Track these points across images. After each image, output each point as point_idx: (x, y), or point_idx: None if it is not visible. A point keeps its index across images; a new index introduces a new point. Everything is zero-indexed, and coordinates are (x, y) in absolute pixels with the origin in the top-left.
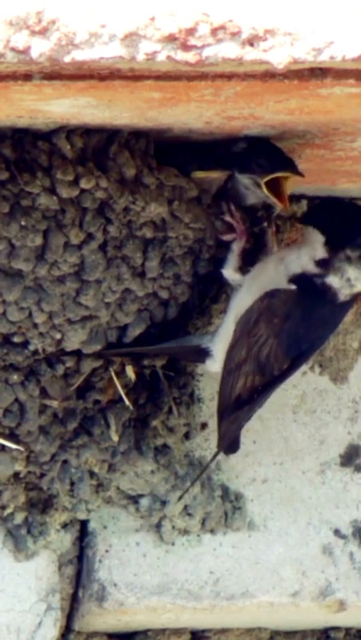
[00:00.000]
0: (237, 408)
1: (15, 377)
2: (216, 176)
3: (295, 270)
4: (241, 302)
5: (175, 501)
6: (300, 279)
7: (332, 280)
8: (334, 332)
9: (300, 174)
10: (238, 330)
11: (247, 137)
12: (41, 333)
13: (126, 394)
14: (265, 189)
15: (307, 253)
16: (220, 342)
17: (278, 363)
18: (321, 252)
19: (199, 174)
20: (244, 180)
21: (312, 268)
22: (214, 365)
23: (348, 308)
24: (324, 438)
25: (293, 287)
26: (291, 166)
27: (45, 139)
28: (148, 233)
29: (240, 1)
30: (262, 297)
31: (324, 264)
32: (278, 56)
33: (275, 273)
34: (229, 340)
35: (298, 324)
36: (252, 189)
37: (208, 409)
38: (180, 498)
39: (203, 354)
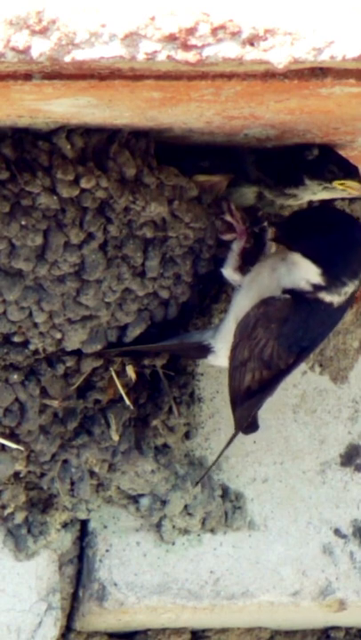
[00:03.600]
0: (249, 398)
1: (15, 376)
2: (217, 180)
3: (286, 285)
4: (240, 304)
5: (176, 501)
6: (293, 292)
7: (326, 296)
8: (334, 329)
9: None
10: (238, 333)
11: (317, 145)
12: (41, 333)
13: (127, 393)
14: (339, 186)
15: (299, 275)
16: (221, 339)
17: (283, 360)
18: (317, 280)
19: (200, 178)
20: (313, 186)
21: (306, 287)
22: (217, 360)
23: (347, 307)
24: (325, 438)
25: (288, 296)
26: (358, 175)
27: (45, 138)
28: (148, 232)
29: (240, 1)
30: (258, 304)
31: (319, 287)
32: (278, 56)
33: (269, 281)
34: (231, 337)
35: (296, 328)
36: (319, 194)
37: (208, 409)
38: (198, 483)
39: (204, 350)
